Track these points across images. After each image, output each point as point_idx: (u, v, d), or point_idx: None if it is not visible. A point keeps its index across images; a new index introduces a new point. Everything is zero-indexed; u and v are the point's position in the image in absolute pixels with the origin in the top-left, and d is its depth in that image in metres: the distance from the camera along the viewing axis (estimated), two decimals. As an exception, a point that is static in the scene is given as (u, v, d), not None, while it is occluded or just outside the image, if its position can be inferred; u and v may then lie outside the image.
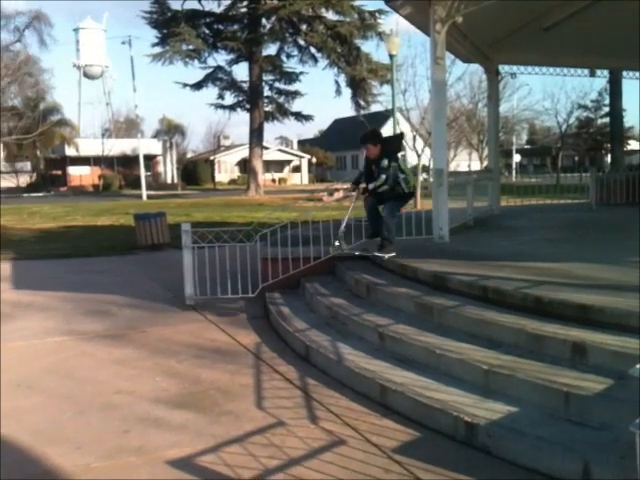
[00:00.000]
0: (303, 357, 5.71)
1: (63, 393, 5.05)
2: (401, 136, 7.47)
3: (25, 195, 45.44)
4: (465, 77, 31.25)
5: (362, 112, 37.66)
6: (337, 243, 7.24)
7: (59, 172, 55.64)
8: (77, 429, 4.33)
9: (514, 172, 50.97)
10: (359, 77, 35.91)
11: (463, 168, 39.91)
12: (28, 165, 55.60)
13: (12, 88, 37.25)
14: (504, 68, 13.23)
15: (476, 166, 42.22)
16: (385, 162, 6.73)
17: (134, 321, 7.43)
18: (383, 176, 6.70)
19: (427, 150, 23.60)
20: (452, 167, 31.79)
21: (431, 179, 9.61)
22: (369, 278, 6.95)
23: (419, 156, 23.60)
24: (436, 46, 8.66)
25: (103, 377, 5.42)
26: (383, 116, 33.31)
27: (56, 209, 28.24)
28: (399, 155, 7.15)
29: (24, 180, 54.32)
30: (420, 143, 24.31)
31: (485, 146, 35.44)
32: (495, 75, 12.91)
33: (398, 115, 21.15)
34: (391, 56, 19.35)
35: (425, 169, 26.44)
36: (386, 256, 7.09)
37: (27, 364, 5.90)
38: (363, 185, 7.04)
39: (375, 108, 38.08)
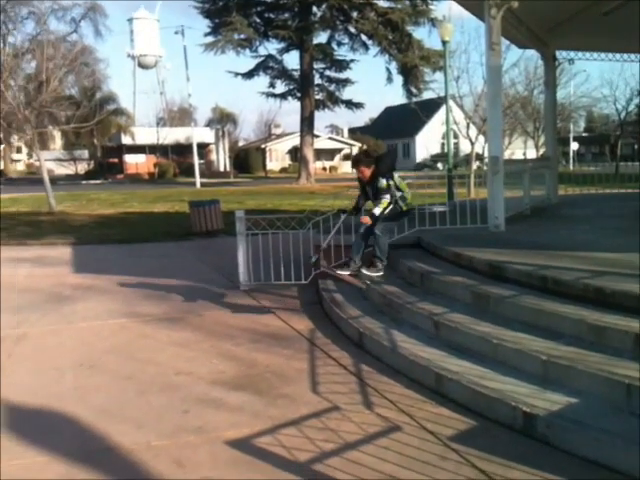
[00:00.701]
0: (357, 343, 5.73)
1: (125, 373, 5.21)
2: (394, 153, 7.06)
3: (83, 182, 46.79)
4: (520, 63, 30.35)
5: (414, 99, 37.32)
6: (313, 259, 6.89)
7: (116, 160, 56.97)
8: (138, 408, 4.48)
9: (572, 160, 49.60)
10: (411, 64, 35.53)
11: (518, 156, 39.07)
12: (86, 153, 57.20)
13: (69, 78, 38.21)
14: (561, 54, 12.86)
15: (532, 154, 41.26)
16: (383, 182, 6.24)
17: (191, 305, 7.59)
18: (387, 196, 6.19)
19: (480, 138, 23.22)
20: (507, 155, 31.16)
21: (485, 167, 9.45)
22: (423, 266, 6.90)
23: (472, 144, 23.23)
24: (491, 32, 8.48)
25: (163, 358, 5.58)
26: (435, 103, 32.78)
27: (113, 196, 28.98)
28: (394, 173, 6.56)
29: (82, 167, 55.94)
30: (473, 131, 23.91)
31: (541, 134, 34.55)
32: (552, 61, 12.57)
33: (451, 102, 20.84)
34: (444, 42, 19.03)
35: (479, 157, 26.02)
36: (373, 274, 6.48)
37: (89, 345, 6.12)
38: (371, 211, 6.37)
39: (427, 95, 37.59)
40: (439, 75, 33.78)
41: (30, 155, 68.30)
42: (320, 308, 7.25)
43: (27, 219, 18.75)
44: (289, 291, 8.02)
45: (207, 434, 3.98)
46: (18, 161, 69.26)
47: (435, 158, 59.53)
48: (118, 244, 13.28)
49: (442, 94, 22.26)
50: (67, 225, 16.93)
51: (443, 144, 47.62)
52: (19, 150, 69.76)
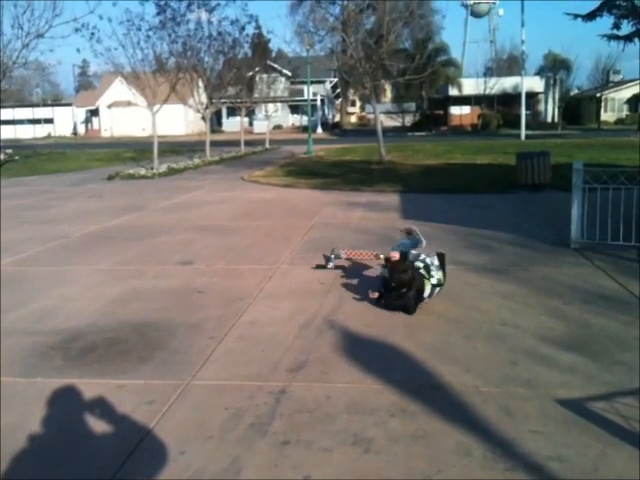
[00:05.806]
0: None
1: (451, 317, 5.34)
2: None
3: (409, 134, 48.80)
4: None
5: None
6: None
7: (441, 112, 57.89)
8: (466, 352, 4.54)
9: None
10: None
11: None
12: (412, 105, 59.27)
13: (405, 32, 39.72)
14: None
15: None
16: None
17: (515, 258, 7.42)
18: None
19: None
20: None
21: None
22: None
23: None
24: None
25: (487, 307, 5.56)
26: None
27: (437, 147, 29.63)
28: None
29: (408, 120, 58.22)
30: None
31: None
32: None
33: None
34: None
35: None
36: None
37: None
38: None
39: None
40: None
41: (362, 108, 73.48)
42: (666, 275, 6.45)
43: (359, 167, 20.31)
44: (627, 253, 7.29)
45: (536, 389, 3.87)
46: (352, 114, 74.98)
47: None
48: (441, 193, 13.58)
49: None
50: (395, 174, 17.86)
51: None
52: (353, 103, 75.45)
